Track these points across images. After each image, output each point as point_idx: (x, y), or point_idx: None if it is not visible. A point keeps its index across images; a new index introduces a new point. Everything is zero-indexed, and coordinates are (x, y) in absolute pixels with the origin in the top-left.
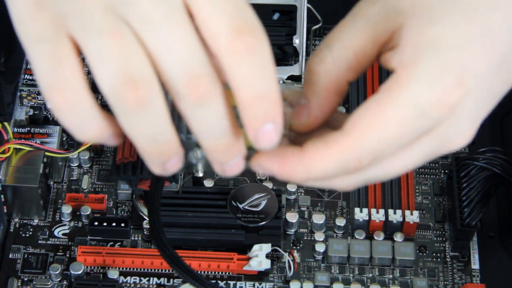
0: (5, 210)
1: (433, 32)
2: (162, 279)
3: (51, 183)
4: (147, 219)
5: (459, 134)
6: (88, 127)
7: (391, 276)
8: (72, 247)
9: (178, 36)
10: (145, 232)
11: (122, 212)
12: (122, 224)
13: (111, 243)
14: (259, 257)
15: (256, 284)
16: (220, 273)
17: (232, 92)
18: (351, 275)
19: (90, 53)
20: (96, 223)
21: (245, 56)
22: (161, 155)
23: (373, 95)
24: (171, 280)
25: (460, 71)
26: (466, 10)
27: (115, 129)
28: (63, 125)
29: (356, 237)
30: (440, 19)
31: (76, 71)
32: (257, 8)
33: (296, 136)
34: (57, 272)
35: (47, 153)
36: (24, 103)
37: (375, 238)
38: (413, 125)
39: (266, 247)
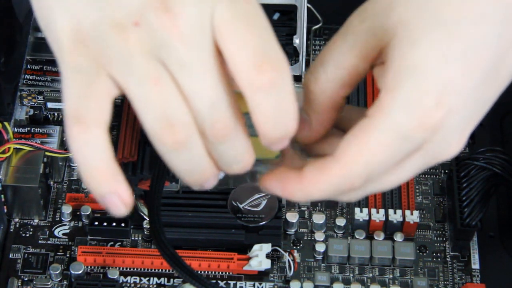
0: (5, 210)
1: (413, 56)
2: (162, 279)
3: (51, 183)
4: (147, 219)
5: (448, 147)
6: (95, 165)
7: (391, 276)
8: (72, 247)
9: (207, 81)
10: (145, 232)
11: None
12: (122, 224)
13: (111, 243)
14: (259, 257)
15: (256, 284)
16: (220, 273)
17: (243, 98)
18: (351, 275)
19: (133, 98)
20: (96, 223)
21: (266, 92)
22: (198, 182)
23: (360, 120)
24: (171, 280)
25: (439, 92)
26: (449, 27)
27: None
28: (74, 155)
29: (356, 237)
30: (421, 40)
31: (103, 108)
32: None
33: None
34: (57, 272)
35: (47, 153)
36: (24, 103)
37: (375, 238)
38: (397, 149)
39: (266, 247)
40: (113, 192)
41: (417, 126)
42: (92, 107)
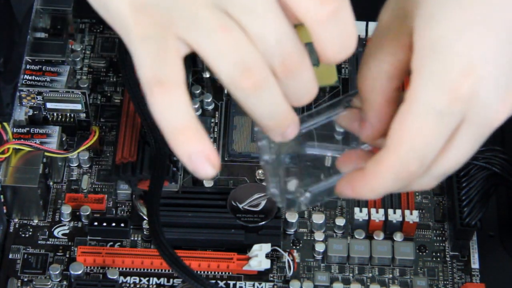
0: (4, 211)
1: (431, 33)
2: (162, 279)
3: (51, 183)
4: (147, 219)
5: (492, 112)
6: (180, 126)
7: (391, 275)
8: (72, 247)
9: (271, 21)
10: (144, 232)
11: (122, 212)
12: (122, 224)
13: (111, 243)
14: (259, 257)
15: (256, 284)
16: (220, 273)
17: (305, 29)
18: (351, 275)
19: (205, 50)
20: (95, 223)
21: (330, 21)
22: (281, 126)
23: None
24: (171, 280)
25: (463, 62)
26: None
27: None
28: (158, 119)
29: (356, 237)
30: (437, 15)
31: (178, 69)
32: None
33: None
34: (57, 272)
35: (46, 153)
36: (24, 103)
37: (375, 237)
38: (438, 126)
39: (266, 247)
40: (200, 151)
41: (450, 100)
42: (168, 70)
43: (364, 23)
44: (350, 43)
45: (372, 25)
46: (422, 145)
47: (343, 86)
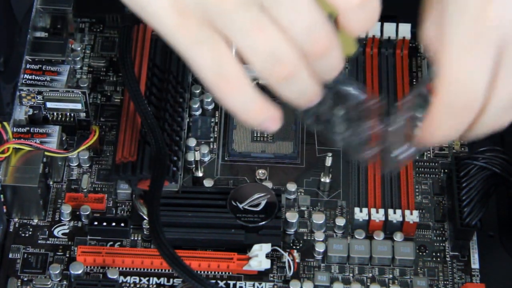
0: (4, 210)
1: None
2: (162, 279)
3: (51, 182)
4: (147, 219)
5: None
6: (251, 107)
7: (391, 276)
8: (72, 247)
9: (302, 10)
10: (144, 232)
11: (122, 212)
12: (122, 224)
13: (111, 243)
14: (259, 257)
15: (256, 284)
16: (220, 273)
17: (326, 2)
18: (351, 275)
19: (243, 47)
20: (95, 223)
21: (359, 9)
22: (306, 103)
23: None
24: (171, 280)
25: None
26: None
27: (273, 112)
28: (229, 109)
29: (356, 237)
30: None
31: (235, 62)
32: None
33: None
34: (57, 272)
35: (46, 153)
36: (24, 102)
37: (375, 238)
38: (476, 57)
39: (266, 247)
40: (267, 119)
41: (479, 28)
42: (229, 66)
43: None
44: (375, 16)
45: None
46: (466, 77)
47: None
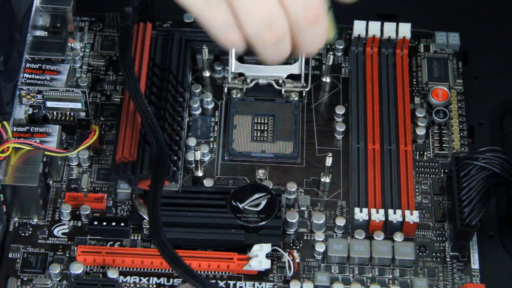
0: (4, 210)
1: None
2: (162, 279)
3: (51, 182)
4: (147, 218)
5: None
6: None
7: (391, 276)
8: (72, 246)
9: None
10: (144, 232)
11: (122, 211)
12: (122, 224)
13: (111, 242)
14: (259, 257)
15: (256, 284)
16: (220, 273)
17: None
18: (351, 275)
19: (241, 8)
20: (95, 223)
21: None
22: (279, 62)
23: None
24: (171, 279)
25: None
26: None
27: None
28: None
29: (356, 237)
30: None
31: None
32: None
33: None
34: (57, 272)
35: (46, 152)
36: (23, 102)
37: (375, 238)
38: None
39: (266, 247)
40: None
41: None
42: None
43: (364, 22)
44: None
45: (372, 24)
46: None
47: (343, 86)
